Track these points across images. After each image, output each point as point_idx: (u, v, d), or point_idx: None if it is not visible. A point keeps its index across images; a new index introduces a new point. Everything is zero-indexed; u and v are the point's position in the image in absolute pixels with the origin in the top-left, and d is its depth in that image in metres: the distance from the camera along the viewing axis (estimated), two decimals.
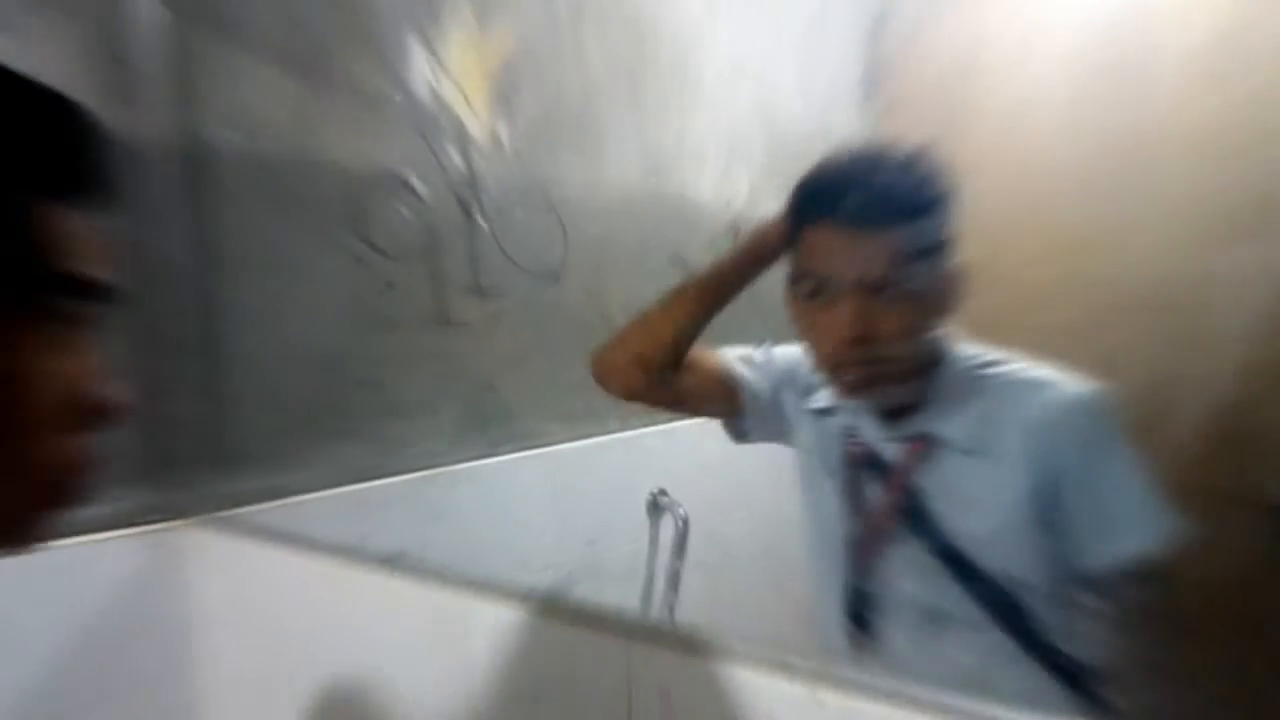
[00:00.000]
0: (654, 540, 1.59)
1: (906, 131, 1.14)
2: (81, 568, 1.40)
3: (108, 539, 1.43)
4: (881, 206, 0.92)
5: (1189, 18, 1.42)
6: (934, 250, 0.95)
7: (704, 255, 1.82)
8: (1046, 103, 1.55)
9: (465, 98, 1.53)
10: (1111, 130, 1.50)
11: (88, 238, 0.56)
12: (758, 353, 1.21)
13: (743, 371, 1.18)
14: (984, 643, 0.98)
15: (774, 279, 1.08)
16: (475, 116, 1.54)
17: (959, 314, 1.00)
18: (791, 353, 1.17)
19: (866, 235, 0.93)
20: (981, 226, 1.52)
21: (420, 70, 1.49)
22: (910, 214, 0.93)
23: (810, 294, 0.98)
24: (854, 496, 1.06)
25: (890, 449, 1.04)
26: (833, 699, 0.81)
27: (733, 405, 1.18)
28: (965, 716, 0.75)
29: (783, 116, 1.97)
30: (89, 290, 0.56)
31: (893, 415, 1.04)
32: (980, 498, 0.98)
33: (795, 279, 1.00)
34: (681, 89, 1.85)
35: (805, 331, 1.01)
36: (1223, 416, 1.26)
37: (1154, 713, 0.77)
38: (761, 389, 1.17)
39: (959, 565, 0.99)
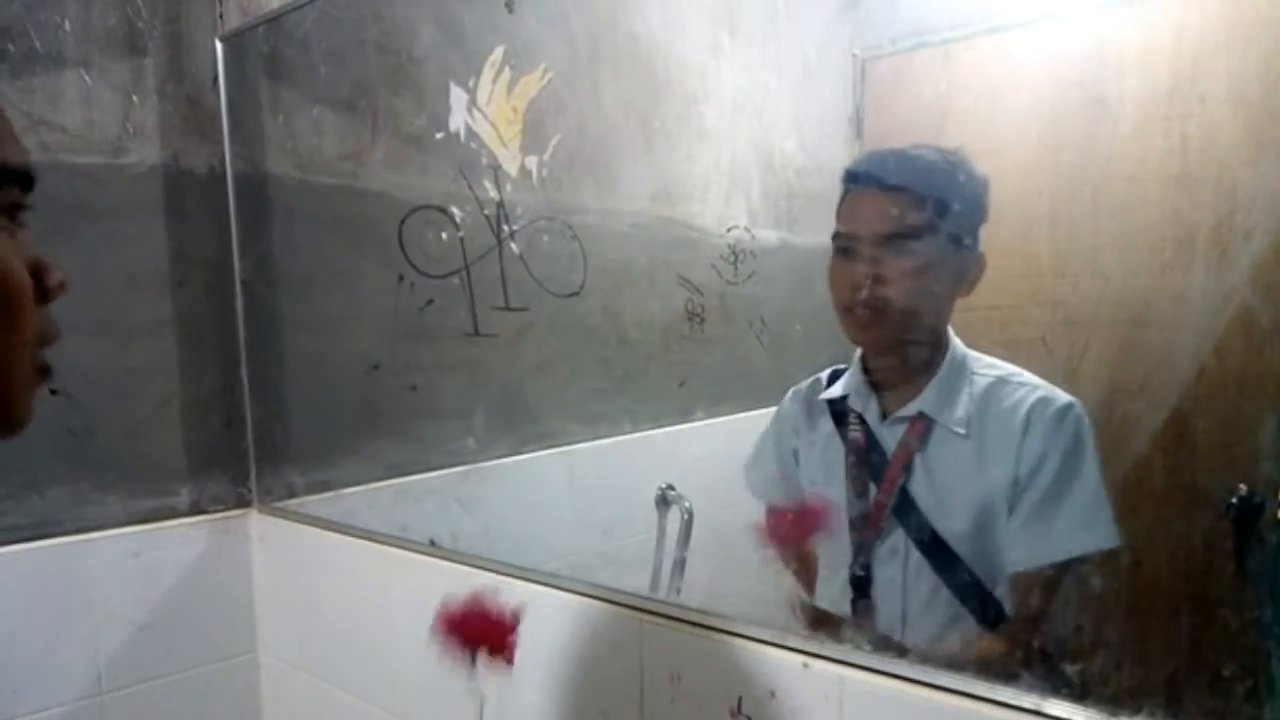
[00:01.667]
0: (662, 530, 1.60)
1: None
2: (161, 549, 1.44)
3: (182, 525, 1.46)
4: (899, 173, 0.99)
5: (1149, 63, 1.43)
6: (950, 226, 0.98)
7: (706, 276, 1.85)
8: (1016, 143, 1.57)
9: (498, 135, 1.55)
10: (1076, 166, 1.51)
11: None
12: (757, 475, 1.25)
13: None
14: (958, 625, 0.99)
15: None
16: (507, 152, 1.57)
17: (970, 297, 1.02)
18: (773, 420, 1.21)
19: (883, 195, 0.99)
20: None
21: (458, 110, 1.51)
22: (925, 185, 0.97)
23: (839, 250, 1.02)
24: (857, 481, 1.07)
25: (890, 433, 1.04)
26: (822, 668, 0.83)
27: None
28: (936, 688, 0.77)
29: (779, 151, 1.99)
30: (13, 175, 0.52)
31: (893, 398, 1.05)
32: (966, 480, 0.99)
33: (833, 240, 1.03)
34: (687, 127, 1.87)
35: (831, 283, 1.03)
36: (1174, 423, 1.27)
37: (1116, 686, 0.79)
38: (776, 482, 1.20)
39: (937, 552, 1.00)
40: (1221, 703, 0.73)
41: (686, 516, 1.58)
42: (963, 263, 1.00)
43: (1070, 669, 0.78)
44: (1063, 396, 0.97)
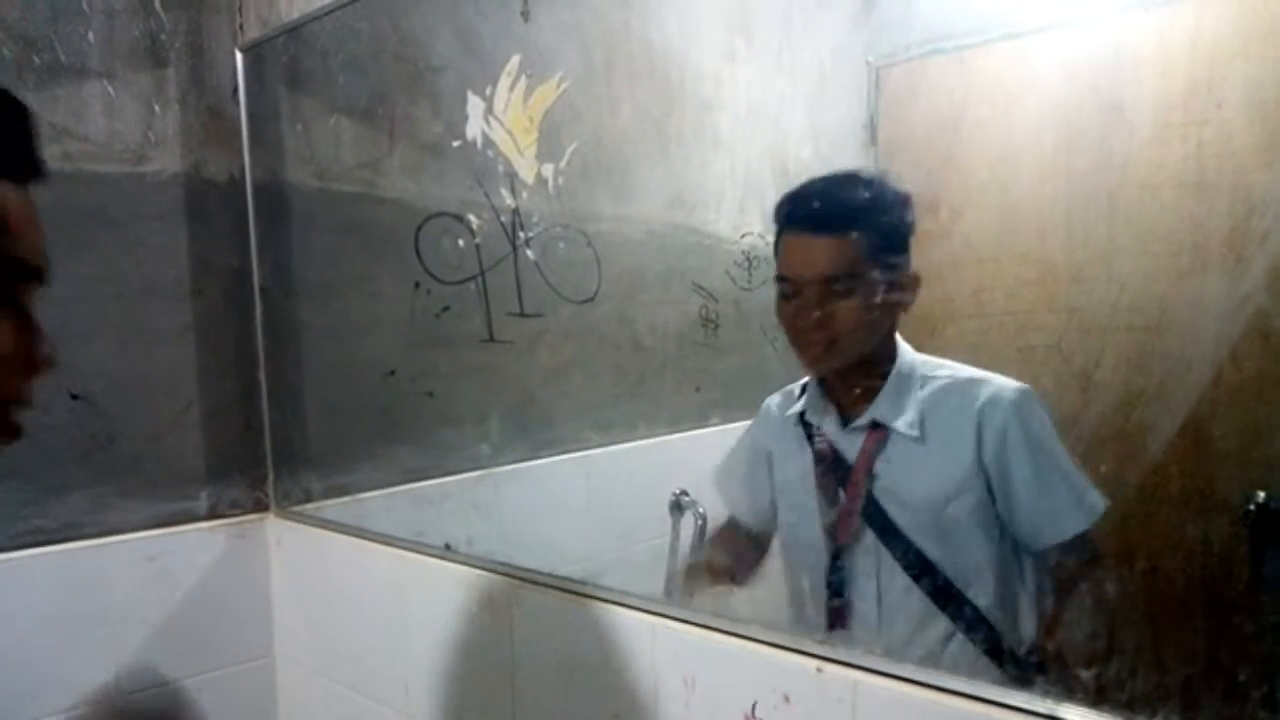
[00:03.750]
0: (676, 535, 1.60)
1: (904, 174, 1.18)
2: (181, 553, 1.46)
3: (200, 529, 1.48)
4: (835, 215, 1.02)
5: (1165, 69, 1.43)
6: (883, 252, 1.01)
7: (721, 282, 1.85)
8: (1032, 149, 1.57)
9: (514, 143, 1.57)
10: (1092, 172, 1.51)
11: (21, 213, 0.58)
12: (723, 470, 1.28)
13: (741, 515, 1.26)
14: (933, 629, 1.01)
15: None
16: (523, 160, 1.58)
17: (914, 313, 1.06)
18: (752, 422, 1.24)
19: (822, 239, 1.02)
20: (972, 261, 1.54)
21: (475, 119, 1.53)
22: (860, 222, 1.01)
23: (785, 294, 1.05)
24: (826, 489, 1.09)
25: (850, 441, 1.07)
26: (836, 672, 0.83)
27: (765, 520, 1.22)
28: (950, 692, 0.77)
29: (793, 158, 1.99)
30: (26, 270, 0.59)
31: (849, 408, 1.08)
32: (927, 481, 1.02)
33: (777, 282, 1.07)
34: (702, 134, 1.88)
35: (781, 322, 1.07)
36: (1191, 429, 1.27)
37: (1127, 691, 0.79)
38: (742, 503, 1.24)
39: (906, 553, 1.02)
40: (1237, 708, 0.73)
41: (700, 521, 1.59)
42: (900, 281, 1.03)
43: (1085, 673, 0.78)
44: (1012, 386, 1.01)
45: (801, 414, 1.13)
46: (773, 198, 1.97)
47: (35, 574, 1.32)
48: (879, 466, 1.04)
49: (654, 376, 1.78)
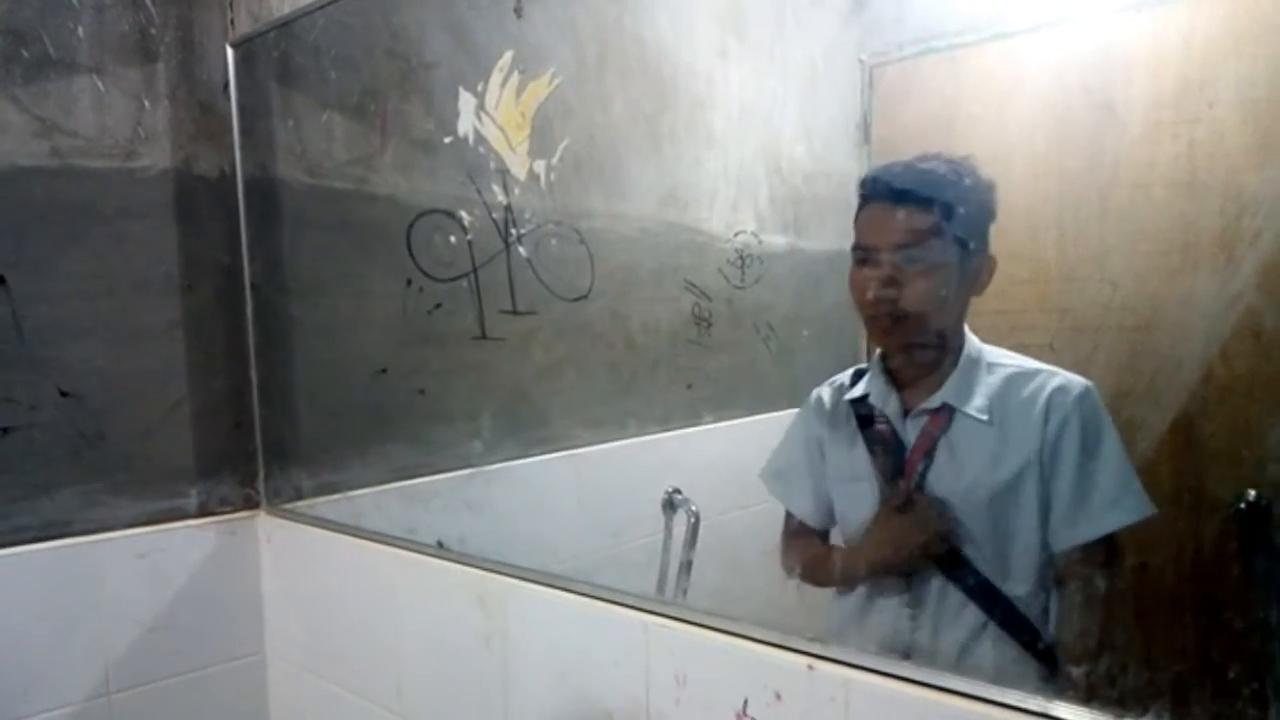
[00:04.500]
0: (669, 533, 1.60)
1: None
2: (172, 550, 1.45)
3: (190, 526, 1.47)
4: (911, 186, 1.04)
5: (1157, 69, 1.43)
6: (961, 232, 1.03)
7: (713, 280, 1.85)
8: (1024, 148, 1.57)
9: (506, 140, 1.56)
10: (1084, 171, 1.51)
11: None
12: (776, 469, 1.26)
13: (799, 509, 1.23)
14: (965, 621, 1.02)
15: None
16: (515, 156, 1.58)
17: (982, 296, 1.07)
18: (798, 415, 1.23)
19: (900, 210, 1.04)
20: None
21: (466, 115, 1.52)
22: (936, 196, 1.03)
23: (859, 261, 1.06)
24: (884, 473, 1.10)
25: (913, 427, 1.07)
26: (827, 670, 0.83)
27: (828, 513, 1.22)
28: (942, 690, 0.77)
29: (786, 157, 1.99)
30: None
31: (915, 393, 1.08)
32: (990, 466, 1.02)
33: (853, 252, 1.08)
34: (695, 132, 1.88)
35: (853, 291, 1.08)
36: (1181, 427, 1.27)
37: (1118, 688, 0.79)
38: (805, 498, 1.22)
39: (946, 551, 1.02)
40: (1227, 705, 0.73)
41: (693, 519, 1.59)
42: (975, 265, 1.05)
43: (1076, 670, 0.78)
44: (1078, 381, 1.02)
45: (856, 400, 1.13)
46: (766, 196, 1.98)
47: (24, 571, 1.31)
48: (939, 451, 1.05)
49: (646, 374, 1.77)
